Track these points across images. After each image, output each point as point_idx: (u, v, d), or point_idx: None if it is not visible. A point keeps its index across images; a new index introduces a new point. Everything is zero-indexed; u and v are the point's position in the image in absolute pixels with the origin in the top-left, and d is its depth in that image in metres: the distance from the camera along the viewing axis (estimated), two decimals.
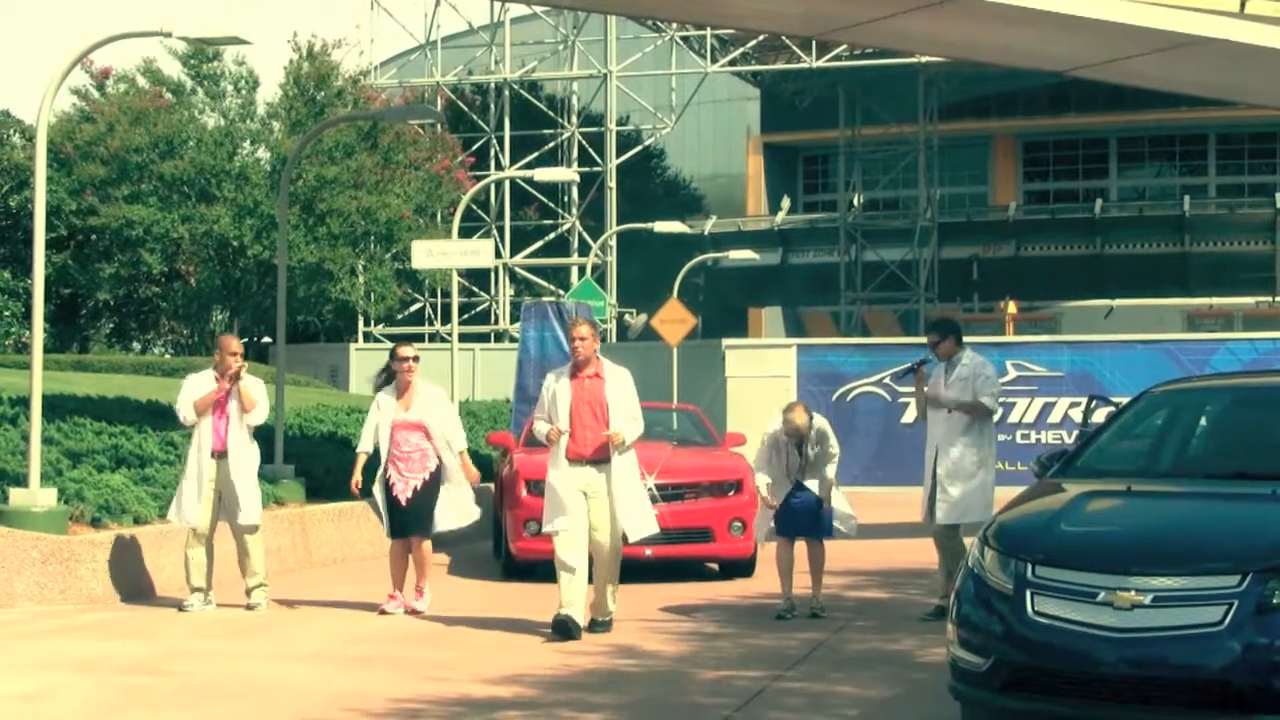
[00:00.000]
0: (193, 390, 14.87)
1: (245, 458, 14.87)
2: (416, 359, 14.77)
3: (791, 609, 14.26)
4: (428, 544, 14.72)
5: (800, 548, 14.51)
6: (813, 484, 14.39)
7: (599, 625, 13.44)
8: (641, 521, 13.51)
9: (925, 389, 14.41)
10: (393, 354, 14.78)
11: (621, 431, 13.22)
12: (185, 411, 14.87)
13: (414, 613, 14.42)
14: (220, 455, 14.80)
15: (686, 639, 13.15)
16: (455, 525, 14.82)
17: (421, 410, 14.58)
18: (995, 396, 14.36)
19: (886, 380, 29.74)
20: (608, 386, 13.36)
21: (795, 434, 14.34)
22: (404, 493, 14.47)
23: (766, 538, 14.68)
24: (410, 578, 14.71)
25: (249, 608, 14.75)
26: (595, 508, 13.32)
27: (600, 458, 13.29)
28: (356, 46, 50.88)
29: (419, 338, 50.10)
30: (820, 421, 14.58)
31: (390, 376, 14.69)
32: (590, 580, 13.35)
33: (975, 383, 14.14)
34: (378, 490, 14.67)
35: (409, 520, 14.53)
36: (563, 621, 13.04)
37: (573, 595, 13.13)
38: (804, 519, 14.37)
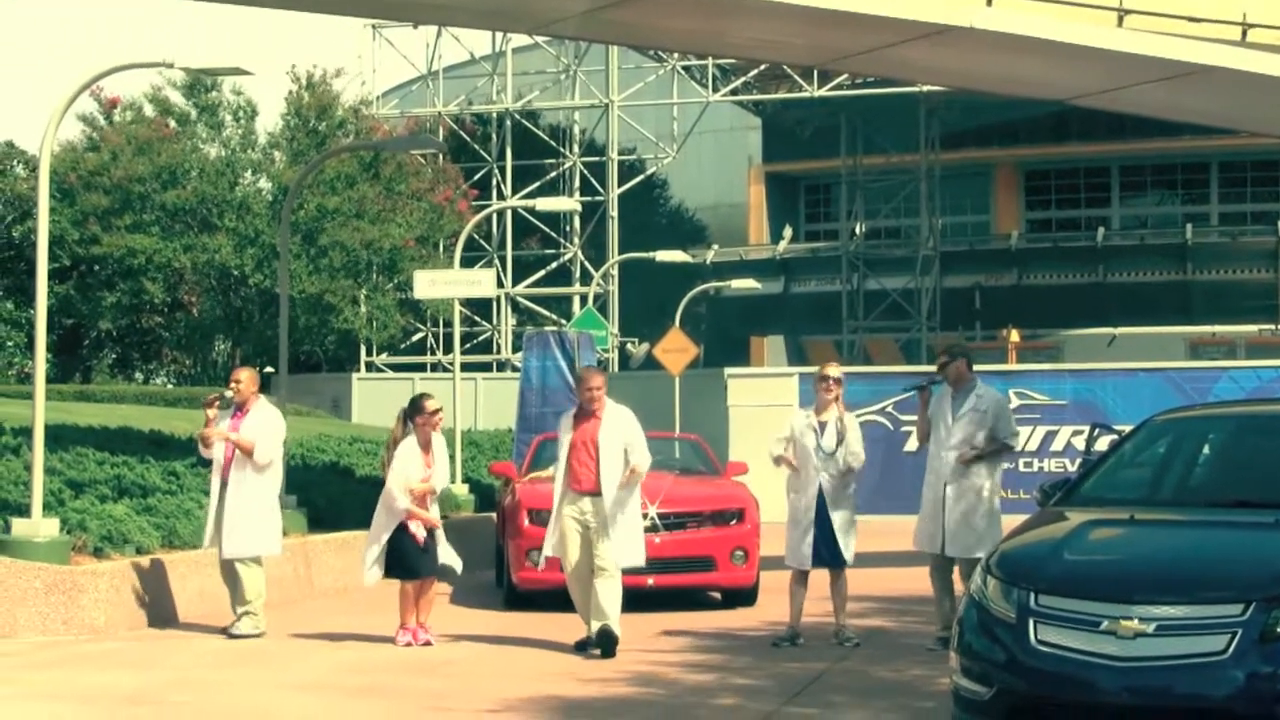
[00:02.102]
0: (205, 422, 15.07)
1: (246, 488, 14.86)
2: (442, 410, 14.77)
3: (795, 637, 14.25)
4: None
5: (817, 576, 14.50)
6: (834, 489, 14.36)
7: (608, 640, 13.55)
8: (628, 551, 13.92)
9: (929, 413, 14.38)
10: (419, 407, 14.54)
11: (639, 468, 13.74)
12: (199, 444, 15.26)
13: (426, 644, 14.38)
14: (225, 484, 14.87)
15: (690, 667, 13.13)
16: (450, 561, 14.77)
17: (438, 467, 14.59)
18: (1014, 434, 14.36)
19: (889, 409, 29.75)
20: (602, 426, 13.84)
21: (829, 393, 14.35)
22: (419, 532, 14.44)
23: (797, 564, 14.48)
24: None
25: (230, 635, 14.73)
26: (599, 533, 13.77)
27: (589, 490, 13.81)
28: (358, 77, 51.00)
29: (421, 367, 50.11)
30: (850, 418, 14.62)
31: (408, 427, 14.57)
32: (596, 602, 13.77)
33: (997, 424, 14.08)
34: (386, 534, 14.51)
35: (426, 561, 14.48)
36: (605, 632, 13.55)
37: (598, 613, 13.65)
38: (826, 549, 14.33)
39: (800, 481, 14.43)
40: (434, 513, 14.66)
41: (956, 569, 13.98)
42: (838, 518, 14.35)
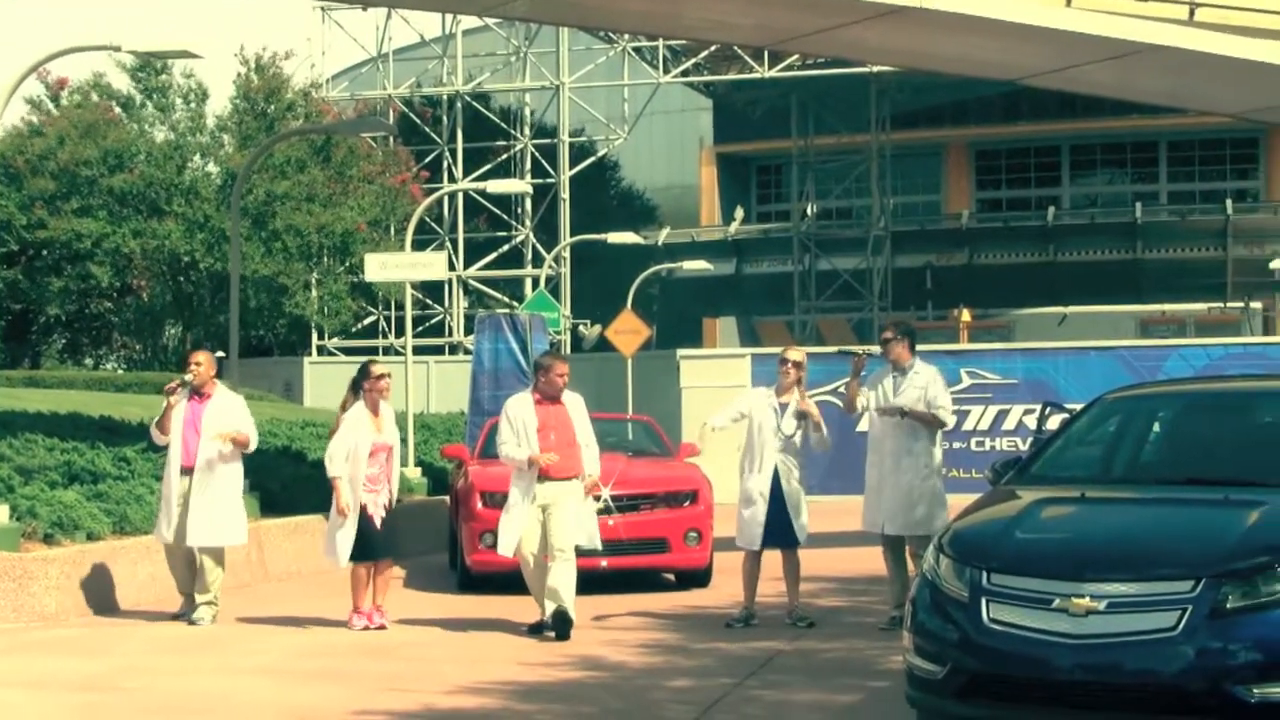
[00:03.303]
0: (163, 409, 14.88)
1: (216, 478, 14.71)
2: (389, 375, 14.72)
3: (750, 617, 14.28)
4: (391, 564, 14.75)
5: (770, 557, 14.52)
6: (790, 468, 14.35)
7: (563, 622, 13.57)
8: (591, 532, 14.08)
9: (861, 389, 14.37)
10: (366, 372, 14.53)
11: (595, 475, 14.06)
12: (152, 431, 14.98)
13: (381, 628, 14.34)
14: (187, 471, 14.71)
15: (645, 649, 13.14)
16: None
17: (389, 431, 14.53)
18: (946, 409, 14.35)
19: (841, 389, 29.77)
20: (571, 412, 13.97)
21: (788, 376, 14.32)
22: (378, 513, 14.36)
23: (748, 545, 14.47)
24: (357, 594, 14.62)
25: (190, 621, 14.64)
26: (555, 516, 13.76)
27: (565, 476, 13.83)
28: (307, 59, 50.79)
29: (373, 350, 49.96)
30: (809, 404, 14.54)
31: (357, 394, 14.54)
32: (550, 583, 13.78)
33: (936, 396, 14.09)
34: (352, 513, 14.41)
35: (381, 543, 14.42)
36: (561, 614, 13.58)
37: (553, 596, 13.67)
38: (778, 529, 14.33)
39: (755, 461, 14.41)
40: (396, 481, 14.63)
41: (909, 548, 14.01)
42: (790, 498, 14.35)
